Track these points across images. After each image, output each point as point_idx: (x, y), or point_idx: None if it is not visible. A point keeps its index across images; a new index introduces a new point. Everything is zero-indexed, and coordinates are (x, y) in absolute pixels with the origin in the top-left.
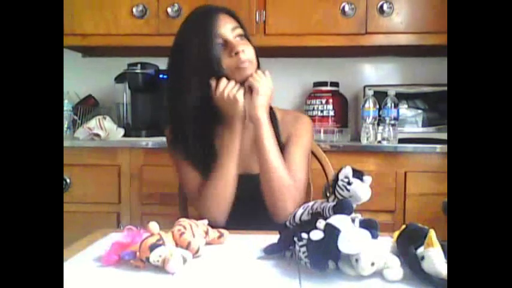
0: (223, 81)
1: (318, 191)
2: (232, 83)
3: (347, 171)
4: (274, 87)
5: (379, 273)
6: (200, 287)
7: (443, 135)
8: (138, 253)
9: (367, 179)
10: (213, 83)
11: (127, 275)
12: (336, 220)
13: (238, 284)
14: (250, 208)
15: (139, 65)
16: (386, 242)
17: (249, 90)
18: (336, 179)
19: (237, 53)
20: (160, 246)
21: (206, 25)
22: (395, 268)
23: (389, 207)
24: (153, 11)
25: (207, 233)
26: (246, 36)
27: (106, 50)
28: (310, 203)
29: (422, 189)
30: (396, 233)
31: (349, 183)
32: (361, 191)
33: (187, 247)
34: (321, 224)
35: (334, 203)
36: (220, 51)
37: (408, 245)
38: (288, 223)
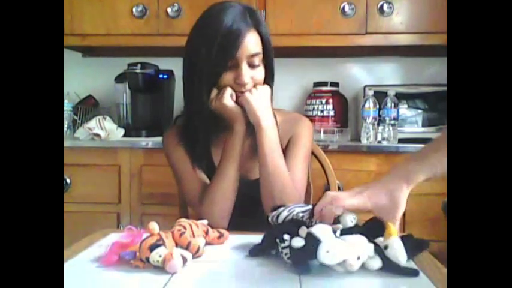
0: (214, 91)
1: (317, 191)
2: (227, 94)
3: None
4: (269, 90)
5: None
6: (200, 287)
7: None
8: (138, 253)
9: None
10: (212, 93)
11: (127, 275)
12: (318, 229)
13: (238, 284)
14: (248, 214)
15: (139, 65)
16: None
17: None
18: None
19: (240, 84)
20: (161, 246)
21: (226, 42)
22: (375, 257)
23: None
24: (153, 11)
25: (207, 233)
26: (267, 55)
27: (106, 50)
28: (296, 209)
29: (422, 189)
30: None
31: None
32: (349, 217)
33: (187, 247)
34: (303, 231)
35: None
36: (226, 72)
37: (369, 235)
38: (270, 220)
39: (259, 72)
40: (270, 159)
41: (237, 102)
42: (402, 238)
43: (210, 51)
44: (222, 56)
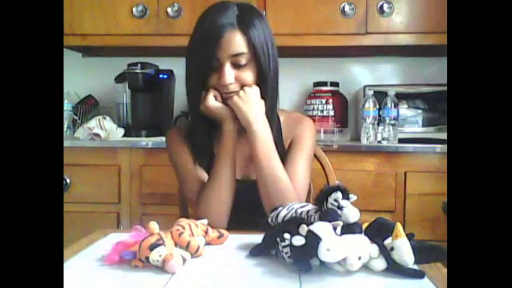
0: (203, 94)
1: (318, 191)
2: (210, 95)
3: (337, 195)
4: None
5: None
6: (200, 287)
7: (443, 135)
8: (137, 253)
9: (353, 197)
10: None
11: (127, 275)
12: (318, 227)
13: (238, 284)
14: (250, 214)
15: (139, 65)
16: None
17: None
18: (325, 199)
19: (223, 85)
20: (160, 246)
21: (208, 41)
22: (379, 258)
23: (390, 207)
24: (153, 11)
25: (206, 232)
26: (256, 57)
27: (106, 50)
28: (295, 206)
29: (422, 189)
30: (365, 225)
31: (339, 207)
32: (352, 214)
33: (186, 247)
34: (303, 229)
35: (319, 213)
36: (212, 73)
37: (376, 237)
38: (270, 220)
39: (246, 73)
40: (265, 163)
41: (225, 103)
42: (416, 242)
43: (196, 53)
44: (205, 57)
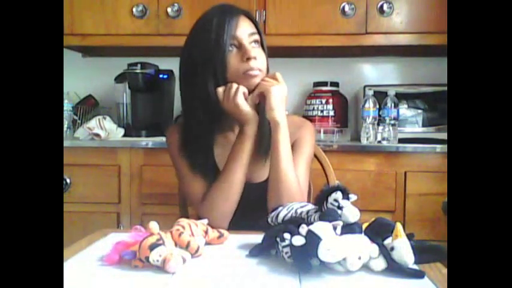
0: (220, 89)
1: (318, 191)
2: (233, 88)
3: (337, 196)
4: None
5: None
6: (200, 286)
7: (443, 135)
8: (137, 253)
9: (353, 197)
10: (219, 90)
11: (127, 275)
12: (318, 227)
13: (238, 284)
14: (249, 217)
15: (139, 65)
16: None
17: (262, 95)
18: (325, 199)
19: (248, 59)
20: (160, 246)
21: (224, 24)
22: (379, 258)
23: (390, 207)
24: (153, 11)
25: (206, 232)
26: (261, 43)
27: (106, 50)
28: (295, 206)
29: (422, 189)
30: (365, 225)
31: (339, 207)
32: (352, 214)
33: (186, 247)
34: (303, 229)
35: (319, 213)
36: (231, 54)
37: (376, 237)
38: (270, 220)
39: (261, 54)
40: (284, 158)
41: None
42: (416, 242)
43: (211, 39)
44: (224, 39)
